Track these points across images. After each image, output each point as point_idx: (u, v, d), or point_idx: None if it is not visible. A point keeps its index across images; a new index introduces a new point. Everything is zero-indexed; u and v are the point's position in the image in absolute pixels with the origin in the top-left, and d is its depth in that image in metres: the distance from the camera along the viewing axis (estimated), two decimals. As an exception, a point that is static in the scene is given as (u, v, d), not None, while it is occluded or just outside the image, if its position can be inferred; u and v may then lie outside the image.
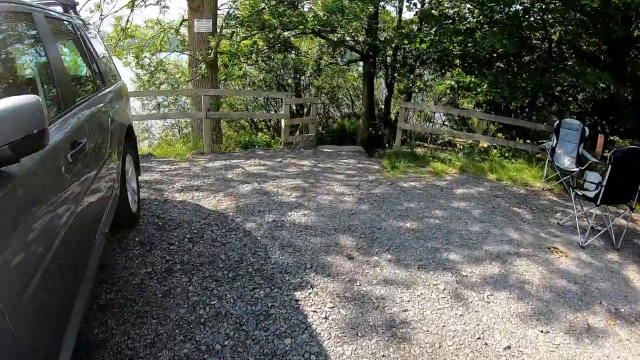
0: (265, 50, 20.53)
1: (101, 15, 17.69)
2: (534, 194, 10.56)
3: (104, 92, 5.86)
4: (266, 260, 6.43)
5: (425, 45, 16.41)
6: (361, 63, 23.05)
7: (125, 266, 5.98)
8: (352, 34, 20.37)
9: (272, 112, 23.92)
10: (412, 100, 26.19)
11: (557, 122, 11.65)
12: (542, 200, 10.18)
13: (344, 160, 13.19)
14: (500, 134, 14.64)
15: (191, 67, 16.03)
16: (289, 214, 8.23)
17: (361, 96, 26.98)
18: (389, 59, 21.77)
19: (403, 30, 18.22)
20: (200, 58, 15.02)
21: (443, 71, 20.25)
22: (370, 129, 22.54)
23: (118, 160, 5.88)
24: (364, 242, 7.27)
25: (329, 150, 14.30)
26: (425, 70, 23.12)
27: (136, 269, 5.91)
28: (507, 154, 13.74)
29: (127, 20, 17.80)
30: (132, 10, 17.49)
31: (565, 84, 15.06)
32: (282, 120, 14.07)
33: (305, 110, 19.89)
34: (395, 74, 20.47)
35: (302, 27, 15.81)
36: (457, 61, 18.28)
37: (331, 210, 8.56)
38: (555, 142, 11.46)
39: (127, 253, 6.34)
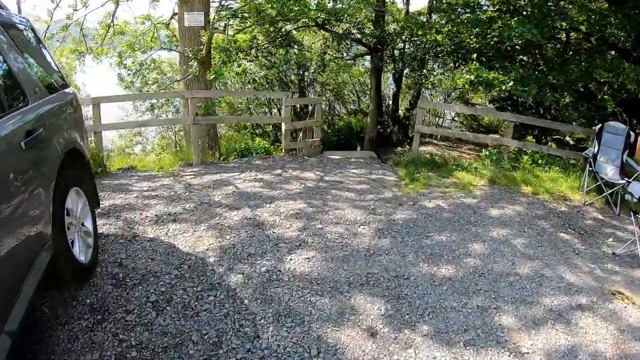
0: (265, 46, 18.44)
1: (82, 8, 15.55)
2: (576, 212, 9.02)
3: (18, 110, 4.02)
4: (254, 343, 4.50)
5: (441, 37, 14.31)
6: (368, 57, 21.00)
7: (66, 349, 4.19)
8: (359, 26, 18.21)
9: (272, 115, 21.80)
10: (421, 97, 24.32)
11: (599, 125, 10.32)
12: (587, 219, 8.68)
13: (354, 170, 11.13)
14: (530, 137, 12.47)
15: (182, 65, 13.95)
16: (288, 258, 6.19)
17: (368, 92, 24.91)
18: (397, 52, 19.54)
19: (417, 20, 16.03)
20: (190, 55, 12.91)
21: (457, 65, 18.21)
22: (379, 126, 20.45)
23: (49, 198, 4.22)
24: (389, 305, 5.28)
25: (336, 158, 12.21)
26: (435, 64, 21.03)
27: (79, 355, 4.12)
28: (540, 161, 11.71)
29: (112, 15, 15.61)
30: (117, 4, 15.34)
31: (601, 80, 12.86)
32: (283, 124, 11.99)
33: (310, 110, 17.58)
34: (406, 69, 18.28)
35: (303, 18, 13.59)
36: (474, 54, 16.06)
37: (342, 251, 6.52)
38: (596, 148, 10.09)
39: (72, 324, 4.52)
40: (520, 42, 13.28)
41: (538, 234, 7.61)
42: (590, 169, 9.85)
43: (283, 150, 11.99)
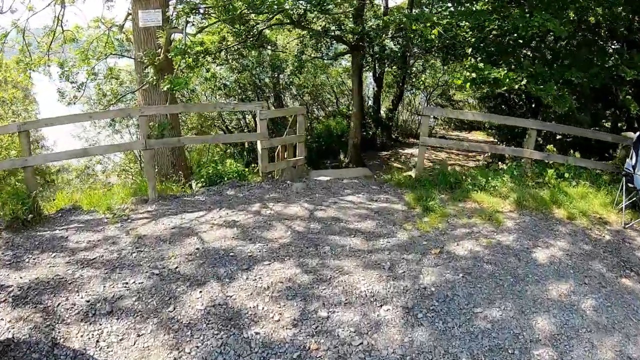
0: (236, 47, 15.84)
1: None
2: (622, 239, 7.29)
3: None
4: None
5: (436, 31, 11.88)
6: (347, 57, 18.53)
7: None
8: (338, 22, 15.70)
9: (246, 122, 19.14)
10: (403, 97, 22.10)
11: (638, 133, 8.59)
12: (636, 249, 6.98)
13: (351, 197, 8.63)
14: (550, 146, 10.02)
15: (138, 73, 11.30)
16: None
17: (347, 93, 22.47)
18: (380, 50, 17.07)
19: (410, 13, 13.61)
20: (146, 60, 10.27)
21: (446, 62, 15.90)
22: (362, 129, 18.03)
23: None
24: None
25: (325, 179, 9.67)
26: (420, 62, 18.63)
27: None
28: (566, 174, 9.51)
29: (58, 20, 12.84)
30: (62, 6, 12.60)
31: (628, 78, 10.53)
32: (258, 143, 9.28)
33: (290, 121, 14.72)
34: (392, 67, 15.83)
35: (277, 12, 11.01)
36: (469, 49, 13.58)
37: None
38: (635, 160, 8.32)
39: None
40: (533, 33, 10.92)
41: (600, 285, 5.86)
42: (631, 186, 8.04)
43: (261, 174, 9.36)
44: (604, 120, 14.26)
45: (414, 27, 12.11)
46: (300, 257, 5.94)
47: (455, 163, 18.75)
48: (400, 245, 6.47)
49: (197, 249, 6.13)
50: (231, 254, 6.00)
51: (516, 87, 10.48)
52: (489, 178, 9.21)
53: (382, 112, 21.60)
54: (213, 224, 7.01)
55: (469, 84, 11.06)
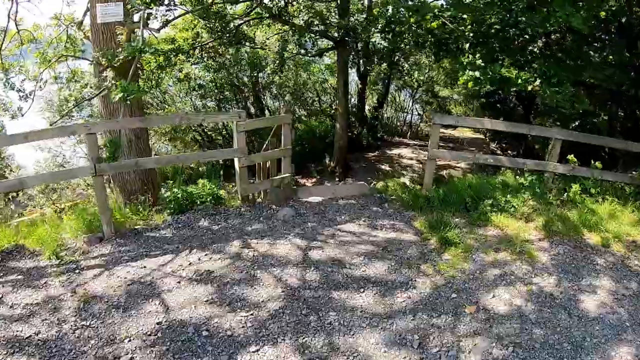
0: (210, 44, 14.07)
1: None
2: None
3: None
4: None
5: (435, 24, 10.37)
6: (331, 53, 16.89)
7: None
8: (322, 16, 14.01)
9: (223, 134, 17.33)
10: (387, 93, 20.50)
11: None
12: None
13: (350, 227, 7.02)
14: (571, 157, 8.47)
15: (96, 76, 9.54)
16: None
17: (329, 91, 20.74)
18: (367, 45, 15.44)
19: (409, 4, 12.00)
20: (103, 62, 8.51)
21: (439, 58, 14.31)
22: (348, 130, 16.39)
23: None
24: None
25: (317, 201, 7.99)
26: (402, 58, 16.97)
27: None
28: (592, 190, 8.09)
29: (9, 16, 10.98)
30: (13, 1, 10.76)
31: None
32: (236, 161, 7.46)
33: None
34: (382, 64, 14.22)
35: (257, 7, 9.31)
36: (466, 45, 11.95)
37: None
38: None
39: None
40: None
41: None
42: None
43: (239, 198, 7.64)
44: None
45: (411, 20, 10.55)
46: (299, 335, 4.32)
47: (445, 164, 17.39)
48: (424, 302, 4.90)
49: (159, 323, 4.46)
50: (204, 332, 4.34)
51: (529, 88, 8.94)
52: (508, 196, 7.68)
53: (367, 111, 19.96)
54: (181, 276, 5.33)
55: (471, 82, 9.48)
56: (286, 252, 5.96)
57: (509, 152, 17.40)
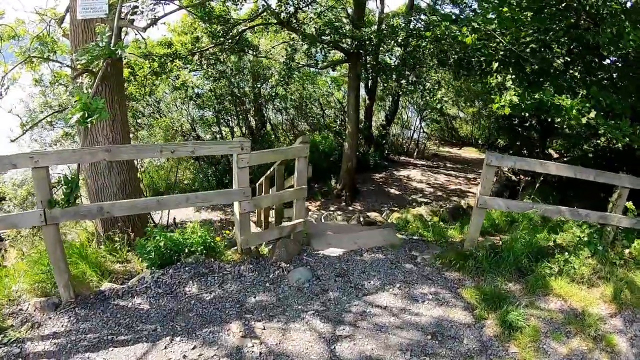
0: (211, 50, 12.29)
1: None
2: None
3: None
4: None
5: (470, 39, 8.71)
6: (334, 67, 15.14)
7: None
8: (335, 25, 12.26)
9: (223, 141, 15.44)
10: (397, 110, 18.77)
11: None
12: None
13: (384, 297, 5.24)
14: (630, 204, 6.72)
15: (73, 82, 7.72)
16: None
17: (333, 105, 19.00)
18: (379, 58, 13.70)
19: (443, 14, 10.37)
20: (80, 65, 6.73)
21: (460, 76, 12.62)
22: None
23: None
24: None
25: (336, 255, 6.13)
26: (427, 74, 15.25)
27: None
28: None
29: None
30: None
31: None
32: (236, 206, 5.56)
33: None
34: (402, 80, 12.50)
35: (264, 11, 7.56)
36: (495, 64, 10.22)
37: None
38: None
39: None
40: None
41: None
42: None
43: (239, 251, 5.78)
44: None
45: (437, 32, 8.85)
46: None
47: (456, 188, 15.87)
48: None
49: None
50: None
51: (583, 121, 7.20)
52: (566, 254, 5.93)
53: (374, 129, 18.23)
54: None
55: (508, 109, 7.70)
56: (305, 347, 4.15)
57: (522, 177, 15.81)
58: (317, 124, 18.47)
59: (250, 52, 13.69)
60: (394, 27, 12.04)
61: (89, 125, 4.36)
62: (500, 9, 8.18)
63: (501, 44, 9.96)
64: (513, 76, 8.90)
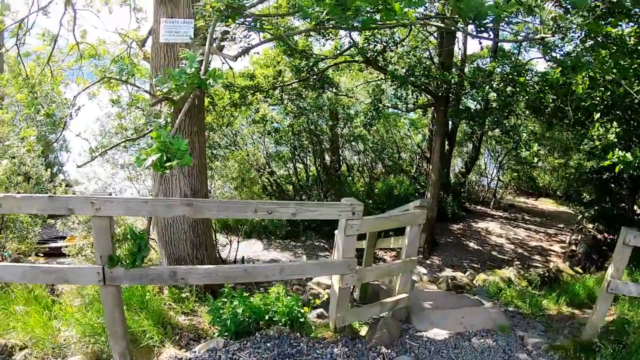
0: (294, 85, 11.51)
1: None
2: None
3: None
4: None
5: (582, 88, 7.55)
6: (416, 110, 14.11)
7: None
8: (424, 66, 11.27)
9: (297, 180, 14.54)
10: (477, 157, 17.55)
11: None
12: None
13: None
14: None
15: (151, 108, 7.01)
16: None
17: (409, 147, 17.88)
18: (469, 103, 12.61)
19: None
20: (160, 92, 5.95)
21: (554, 126, 11.37)
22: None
23: None
24: None
25: (441, 338, 4.90)
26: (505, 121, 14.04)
27: None
28: None
29: (60, 23, 8.72)
30: (68, 8, 8.50)
31: None
32: (335, 281, 4.44)
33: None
34: (495, 128, 11.45)
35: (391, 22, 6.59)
36: (596, 115, 8.88)
37: None
38: None
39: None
40: None
41: None
42: None
43: (332, 328, 4.61)
44: None
45: (559, 80, 7.70)
46: None
47: (537, 245, 14.45)
48: None
49: None
50: None
51: None
52: None
53: (452, 176, 17.02)
54: None
55: (623, 165, 6.39)
56: None
57: (606, 235, 14.21)
58: (392, 166, 17.35)
59: (331, 89, 12.86)
60: (487, 71, 10.96)
61: (167, 172, 3.39)
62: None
63: (607, 94, 8.82)
64: (619, 129, 7.72)
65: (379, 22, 5.36)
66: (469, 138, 17.22)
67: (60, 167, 18.41)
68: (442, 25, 7.43)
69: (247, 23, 5.41)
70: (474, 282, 9.43)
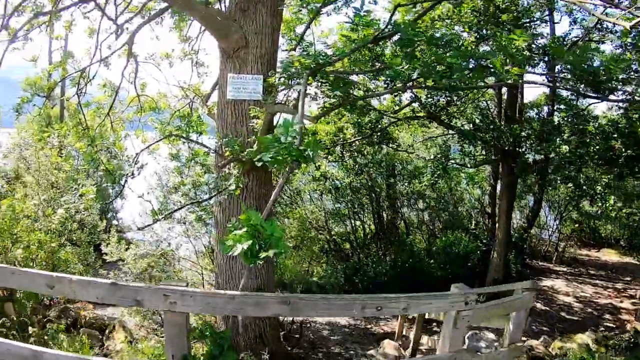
0: (356, 142, 10.99)
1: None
2: None
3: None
4: None
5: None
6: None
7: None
8: (489, 119, 10.62)
9: (357, 241, 13.76)
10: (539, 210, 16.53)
11: None
12: None
13: None
14: None
15: (216, 169, 6.55)
16: None
17: (467, 202, 16.95)
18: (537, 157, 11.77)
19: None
20: (227, 152, 5.42)
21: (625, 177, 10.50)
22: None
23: None
24: None
25: None
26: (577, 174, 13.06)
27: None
28: None
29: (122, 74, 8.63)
30: (130, 60, 8.30)
31: None
32: None
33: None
34: (566, 184, 10.66)
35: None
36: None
37: None
38: None
39: None
40: None
41: None
42: None
43: None
44: None
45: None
46: None
47: (607, 303, 13.26)
48: None
49: None
50: None
51: None
52: None
53: (515, 232, 15.95)
54: None
55: None
56: None
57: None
58: (451, 221, 16.43)
59: (391, 145, 12.26)
60: (554, 122, 10.23)
61: (260, 262, 2.75)
62: None
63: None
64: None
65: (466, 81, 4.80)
66: (529, 190, 16.23)
67: (114, 214, 18.22)
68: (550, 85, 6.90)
69: (327, 82, 4.86)
70: (550, 349, 8.56)
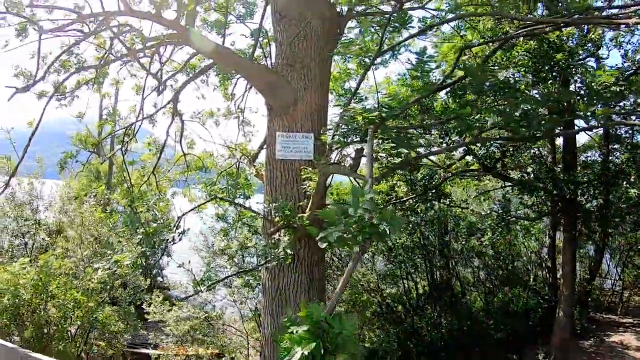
0: (409, 200, 10.32)
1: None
2: None
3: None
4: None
5: None
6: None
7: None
8: (546, 168, 9.82)
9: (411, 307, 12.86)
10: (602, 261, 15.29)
11: None
12: None
13: None
14: None
15: (264, 233, 5.96)
16: None
17: (522, 255, 15.83)
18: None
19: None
20: (277, 217, 4.82)
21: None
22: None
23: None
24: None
25: None
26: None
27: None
28: None
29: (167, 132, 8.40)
30: (175, 118, 8.07)
31: None
32: None
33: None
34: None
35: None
36: None
37: None
38: None
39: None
40: None
41: None
42: None
43: None
44: None
45: None
46: None
47: None
48: None
49: None
50: None
51: None
52: None
53: (579, 287, 14.71)
54: None
55: None
56: None
57: None
58: (510, 278, 15.29)
59: (442, 201, 11.51)
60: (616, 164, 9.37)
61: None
62: None
63: None
64: None
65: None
66: (588, 238, 15.06)
67: (159, 271, 17.84)
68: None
69: (388, 138, 4.27)
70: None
